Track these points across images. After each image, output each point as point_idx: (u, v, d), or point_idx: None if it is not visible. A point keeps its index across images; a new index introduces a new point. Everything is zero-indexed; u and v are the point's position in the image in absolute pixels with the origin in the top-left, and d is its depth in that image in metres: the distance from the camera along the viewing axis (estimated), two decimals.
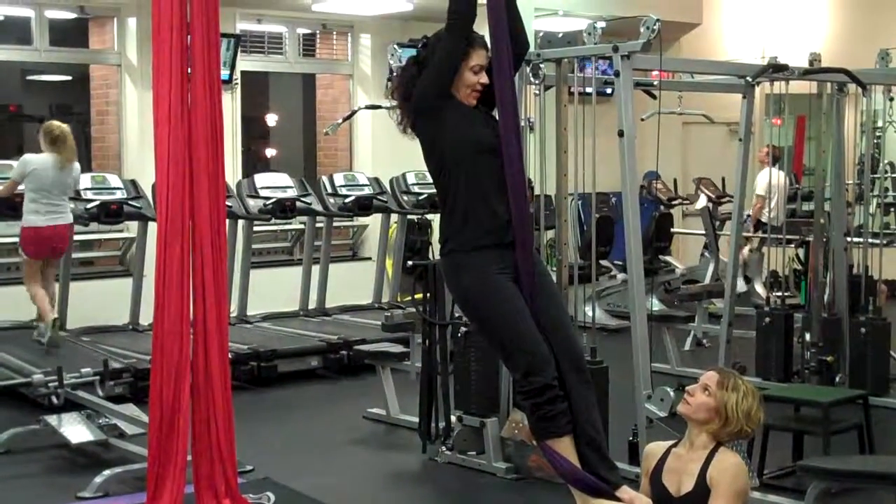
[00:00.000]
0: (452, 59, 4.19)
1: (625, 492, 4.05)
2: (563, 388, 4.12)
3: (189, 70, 4.64)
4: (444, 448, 6.25)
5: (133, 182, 8.95)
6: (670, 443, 4.06)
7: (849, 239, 7.84)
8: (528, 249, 4.22)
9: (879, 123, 9.24)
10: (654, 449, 4.10)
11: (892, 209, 12.40)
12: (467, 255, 4.20)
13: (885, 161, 12.17)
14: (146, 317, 7.83)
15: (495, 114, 4.36)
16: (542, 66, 6.27)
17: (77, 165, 8.16)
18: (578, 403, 4.14)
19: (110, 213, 8.65)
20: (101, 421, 6.34)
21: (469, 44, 4.22)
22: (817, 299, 7.74)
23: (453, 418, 6.26)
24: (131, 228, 9.55)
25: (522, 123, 6.26)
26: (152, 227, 6.30)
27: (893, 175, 12.56)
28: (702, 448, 3.91)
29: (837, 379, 7.35)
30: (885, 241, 8.30)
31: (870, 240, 7.82)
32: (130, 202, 8.74)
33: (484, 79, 4.25)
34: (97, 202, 8.55)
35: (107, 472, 5.73)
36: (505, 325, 4.17)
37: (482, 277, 4.17)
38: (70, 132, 8.06)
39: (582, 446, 4.13)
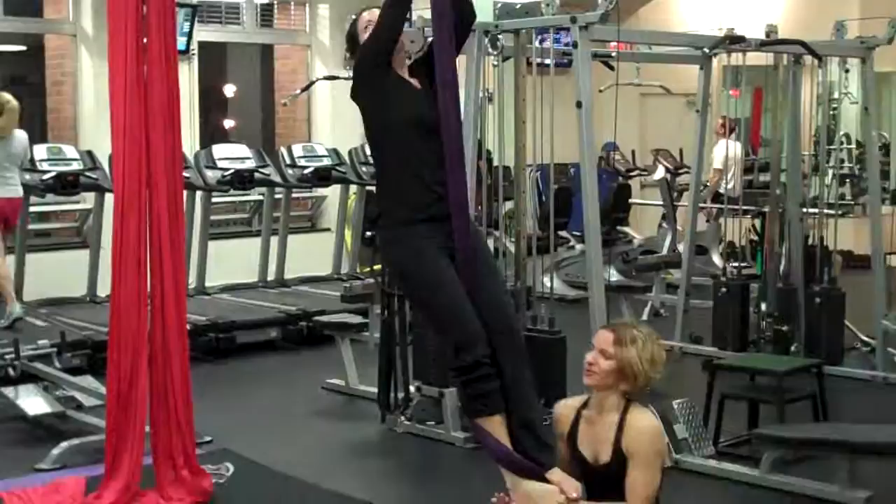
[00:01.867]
0: (394, 29, 4.08)
1: (555, 473, 3.93)
2: (496, 366, 4.00)
3: (145, 40, 4.61)
4: (402, 418, 6.27)
5: (89, 153, 8.86)
6: (579, 402, 3.96)
7: (804, 210, 7.90)
8: (465, 222, 4.10)
9: (835, 95, 9.28)
10: (563, 411, 3.99)
11: (848, 180, 12.50)
12: (403, 228, 4.11)
13: (841, 132, 12.24)
14: (104, 288, 7.78)
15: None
16: (500, 36, 6.27)
17: (23, 135, 8.05)
18: (512, 381, 4.02)
19: (66, 185, 8.58)
20: (58, 393, 6.32)
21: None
22: (773, 270, 7.81)
23: (412, 388, 6.28)
24: (88, 200, 9.48)
25: (481, 94, 6.30)
26: (109, 199, 6.24)
27: (849, 146, 12.65)
28: (613, 410, 3.82)
29: (793, 348, 7.43)
30: (840, 212, 8.37)
31: (825, 210, 7.86)
32: (87, 173, 8.68)
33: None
34: (53, 173, 8.48)
35: (64, 444, 5.71)
36: (437, 300, 4.07)
37: (416, 251, 4.08)
38: (10, 101, 7.95)
39: (515, 426, 4.01)
